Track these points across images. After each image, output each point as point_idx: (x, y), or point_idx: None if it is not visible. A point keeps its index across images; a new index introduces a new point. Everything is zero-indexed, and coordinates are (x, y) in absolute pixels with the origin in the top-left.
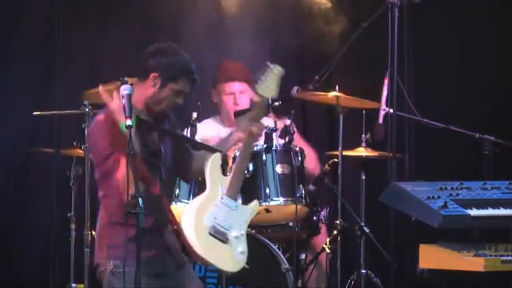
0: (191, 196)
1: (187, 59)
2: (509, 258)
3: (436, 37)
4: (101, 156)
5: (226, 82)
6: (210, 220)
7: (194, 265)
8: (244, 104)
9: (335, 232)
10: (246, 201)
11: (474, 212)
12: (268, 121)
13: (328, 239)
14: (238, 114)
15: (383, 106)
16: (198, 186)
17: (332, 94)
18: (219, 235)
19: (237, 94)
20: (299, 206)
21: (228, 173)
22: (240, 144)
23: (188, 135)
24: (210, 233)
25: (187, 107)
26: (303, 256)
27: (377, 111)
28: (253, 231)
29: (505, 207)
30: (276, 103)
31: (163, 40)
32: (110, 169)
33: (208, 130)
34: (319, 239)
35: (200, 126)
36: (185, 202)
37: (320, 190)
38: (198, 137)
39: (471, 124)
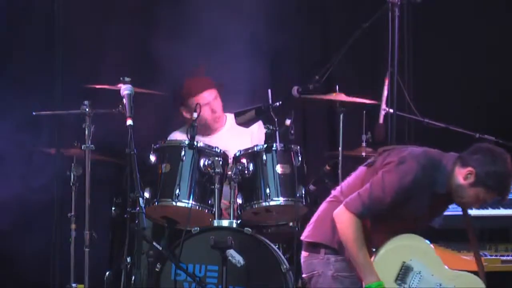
0: (191, 196)
1: (509, 175)
2: (509, 258)
3: (437, 37)
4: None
5: (196, 95)
6: None
7: (194, 264)
8: (219, 108)
9: None
10: (246, 201)
11: (474, 212)
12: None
13: None
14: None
15: (384, 106)
16: (198, 187)
17: (332, 94)
18: None
19: (212, 101)
20: (299, 206)
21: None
22: None
23: (189, 136)
24: None
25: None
26: None
27: (377, 110)
28: (253, 231)
29: (505, 207)
30: (277, 103)
31: (163, 40)
32: None
33: None
34: None
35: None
36: (185, 202)
37: (320, 190)
38: None
39: (471, 124)
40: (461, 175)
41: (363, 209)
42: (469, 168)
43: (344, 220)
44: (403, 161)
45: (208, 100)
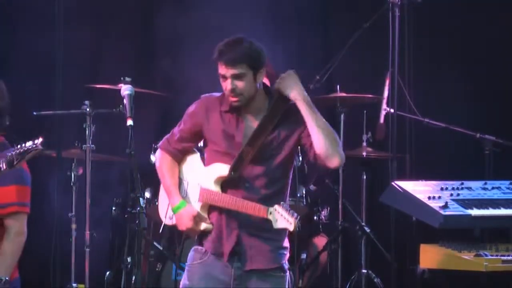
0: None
1: None
2: (509, 258)
3: (437, 37)
4: None
5: None
6: None
7: None
8: None
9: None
10: None
11: (474, 212)
12: None
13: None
14: None
15: (384, 105)
16: None
17: (333, 93)
18: None
19: None
20: (299, 206)
21: None
22: None
23: None
24: None
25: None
26: (303, 256)
27: (378, 110)
28: None
29: (506, 207)
30: None
31: (163, 39)
32: None
33: None
34: (319, 239)
35: None
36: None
37: (320, 190)
38: None
39: (471, 124)
40: None
41: None
42: None
43: None
44: None
45: None
